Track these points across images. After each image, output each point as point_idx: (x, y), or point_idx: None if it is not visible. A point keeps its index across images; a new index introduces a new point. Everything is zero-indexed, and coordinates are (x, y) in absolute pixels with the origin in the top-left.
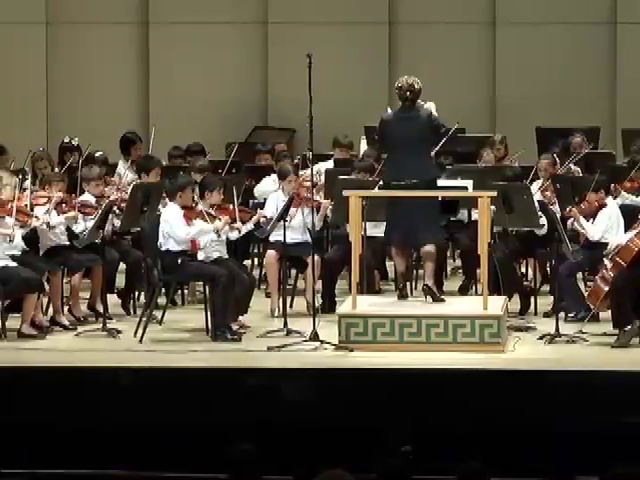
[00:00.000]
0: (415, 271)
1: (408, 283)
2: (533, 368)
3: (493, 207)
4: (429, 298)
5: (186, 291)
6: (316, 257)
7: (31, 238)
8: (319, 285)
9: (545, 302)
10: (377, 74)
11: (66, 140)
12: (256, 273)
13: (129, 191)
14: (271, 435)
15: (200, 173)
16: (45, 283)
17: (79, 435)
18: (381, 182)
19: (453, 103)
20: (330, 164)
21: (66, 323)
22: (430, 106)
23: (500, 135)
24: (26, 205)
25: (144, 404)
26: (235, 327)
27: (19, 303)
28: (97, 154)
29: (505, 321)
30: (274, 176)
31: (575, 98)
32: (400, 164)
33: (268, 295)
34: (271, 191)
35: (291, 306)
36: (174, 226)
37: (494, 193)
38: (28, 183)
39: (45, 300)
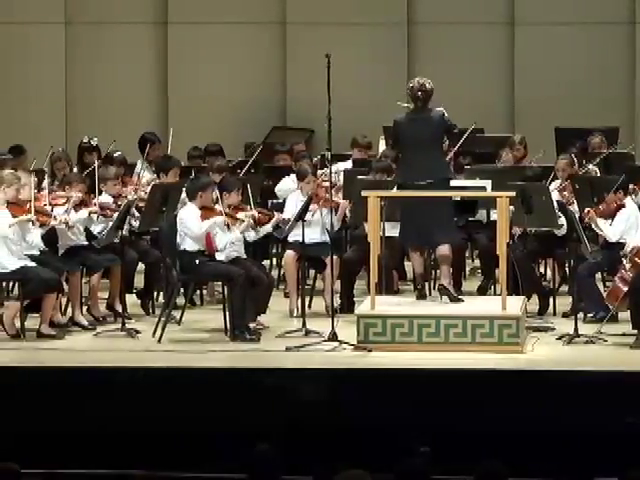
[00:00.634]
0: (433, 271)
1: (426, 283)
2: (552, 368)
3: (512, 207)
4: (445, 298)
5: (205, 291)
6: (335, 257)
7: (50, 238)
8: (338, 285)
9: (564, 302)
10: (396, 74)
11: (85, 140)
12: (275, 273)
13: (148, 191)
14: (289, 435)
15: (218, 173)
16: (64, 283)
17: (97, 435)
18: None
19: (472, 103)
20: (348, 164)
21: (85, 323)
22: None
23: (519, 135)
24: (45, 205)
25: (162, 404)
26: (254, 327)
27: (38, 303)
28: (116, 154)
29: (524, 321)
30: (293, 176)
31: (594, 98)
32: (412, 165)
33: (287, 295)
34: (291, 190)
35: (310, 306)
36: (187, 222)
37: (513, 193)
38: (46, 183)
39: (64, 300)
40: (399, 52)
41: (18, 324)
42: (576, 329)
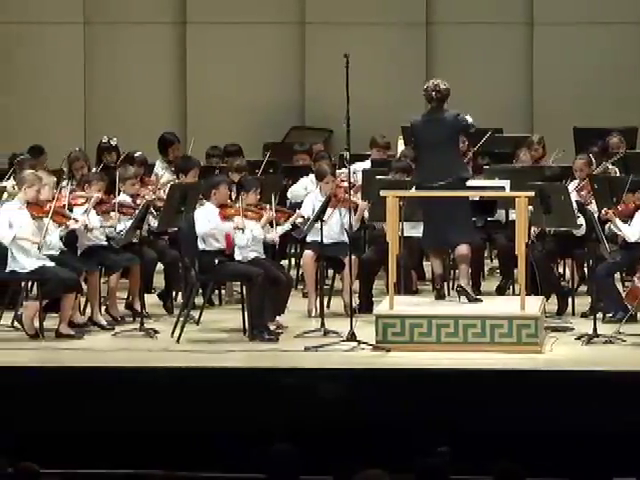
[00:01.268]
0: (452, 271)
1: (445, 283)
2: (570, 368)
3: (531, 207)
4: (464, 298)
5: (223, 291)
6: (353, 257)
7: (69, 238)
8: (356, 285)
9: (583, 302)
10: (414, 74)
11: (104, 140)
12: (293, 273)
13: (167, 191)
14: (308, 435)
15: (237, 173)
16: (83, 283)
17: (116, 435)
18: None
19: (490, 103)
20: (367, 164)
21: (104, 323)
22: (467, 117)
23: (538, 135)
24: (64, 206)
25: (181, 404)
26: (272, 327)
27: (57, 303)
28: (136, 154)
29: (542, 321)
30: (311, 176)
31: (613, 98)
32: (428, 166)
33: (305, 295)
34: (303, 194)
35: (328, 306)
36: (200, 222)
37: (532, 193)
38: (66, 183)
39: (83, 300)
40: (418, 52)
41: (37, 324)
42: (595, 329)
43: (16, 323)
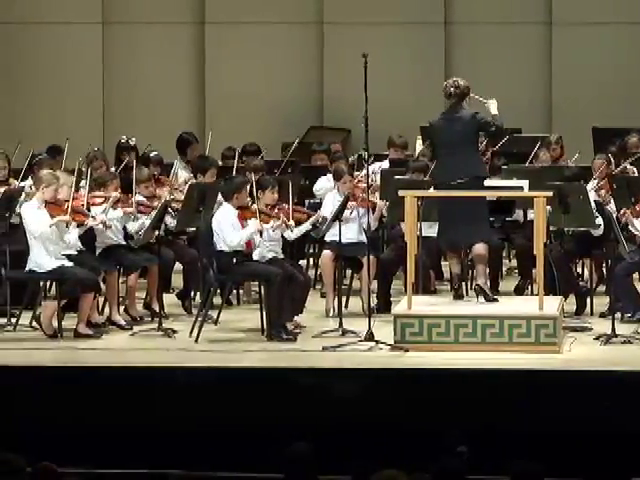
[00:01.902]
0: (470, 271)
1: (463, 283)
2: (589, 368)
3: (549, 207)
4: (481, 298)
5: (241, 291)
6: (371, 257)
7: (88, 238)
8: (374, 285)
9: (601, 302)
10: (433, 74)
11: (123, 140)
12: (311, 273)
13: (185, 191)
14: (326, 435)
15: (255, 173)
16: (101, 283)
17: (134, 434)
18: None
19: (509, 103)
20: (385, 164)
21: (123, 323)
22: (491, 104)
23: (556, 135)
24: (82, 205)
25: (199, 404)
26: (290, 327)
27: (75, 303)
28: (152, 154)
29: (561, 321)
30: (329, 175)
31: (632, 98)
32: (445, 165)
33: (323, 295)
34: (329, 188)
35: (346, 306)
36: (225, 231)
37: (550, 193)
38: (84, 183)
39: (101, 300)
40: (436, 52)
41: (55, 324)
42: (613, 329)
43: (35, 323)
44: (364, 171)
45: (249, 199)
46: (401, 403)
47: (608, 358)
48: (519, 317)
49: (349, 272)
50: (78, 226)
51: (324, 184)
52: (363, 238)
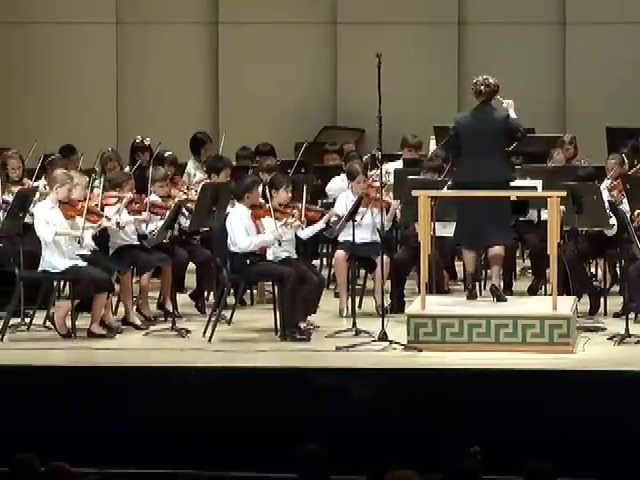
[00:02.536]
0: (484, 271)
1: (477, 283)
2: (602, 368)
3: (563, 207)
4: (495, 298)
5: (255, 291)
6: (385, 257)
7: (101, 238)
8: (388, 285)
9: (615, 302)
10: (446, 74)
11: (138, 140)
12: (325, 273)
13: (198, 191)
14: (339, 435)
15: (268, 173)
16: (115, 283)
17: (147, 434)
18: (449, 182)
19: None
20: (399, 164)
21: (138, 323)
22: (509, 104)
23: (570, 135)
24: (96, 205)
25: (213, 404)
26: (304, 327)
27: (89, 303)
28: (166, 154)
29: (574, 321)
30: (343, 175)
31: None
32: (473, 165)
33: (337, 295)
34: (342, 188)
35: (360, 306)
36: (235, 234)
37: (564, 193)
38: (98, 183)
39: (114, 300)
40: (450, 52)
41: (69, 324)
42: (627, 329)
43: (48, 323)
44: (377, 171)
45: (262, 200)
46: (414, 403)
47: (622, 358)
48: (533, 317)
49: (362, 272)
50: (92, 226)
51: (338, 184)
52: (377, 238)
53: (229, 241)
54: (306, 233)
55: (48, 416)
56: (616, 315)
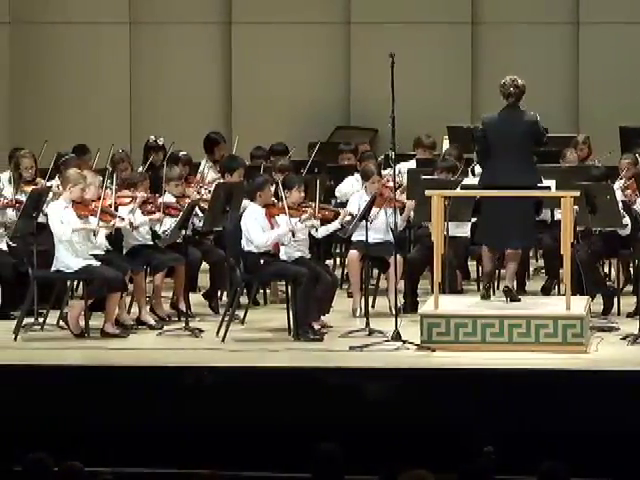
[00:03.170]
0: (497, 271)
1: (491, 284)
2: (616, 368)
3: (576, 207)
4: (509, 299)
5: (268, 291)
6: (398, 257)
7: (115, 238)
8: (401, 285)
9: (628, 302)
10: (460, 74)
11: (151, 139)
12: (338, 273)
13: (212, 191)
14: (353, 435)
15: (281, 173)
16: (128, 283)
17: (161, 434)
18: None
19: (536, 103)
20: (412, 164)
21: (152, 322)
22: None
23: (583, 135)
24: (110, 205)
25: (226, 403)
26: (317, 327)
27: (103, 302)
28: (181, 154)
29: (588, 321)
30: (357, 175)
31: None
32: (500, 168)
33: (350, 295)
34: (351, 192)
35: (373, 306)
36: (251, 232)
37: (577, 193)
38: (110, 183)
39: (128, 300)
40: (463, 52)
41: (83, 323)
42: None
43: (62, 322)
44: (391, 171)
45: (274, 199)
46: (428, 403)
47: (635, 358)
48: (546, 317)
49: (376, 272)
50: (105, 226)
51: (348, 187)
52: (390, 238)
53: (243, 241)
54: (321, 233)
55: (61, 416)
56: (629, 315)
